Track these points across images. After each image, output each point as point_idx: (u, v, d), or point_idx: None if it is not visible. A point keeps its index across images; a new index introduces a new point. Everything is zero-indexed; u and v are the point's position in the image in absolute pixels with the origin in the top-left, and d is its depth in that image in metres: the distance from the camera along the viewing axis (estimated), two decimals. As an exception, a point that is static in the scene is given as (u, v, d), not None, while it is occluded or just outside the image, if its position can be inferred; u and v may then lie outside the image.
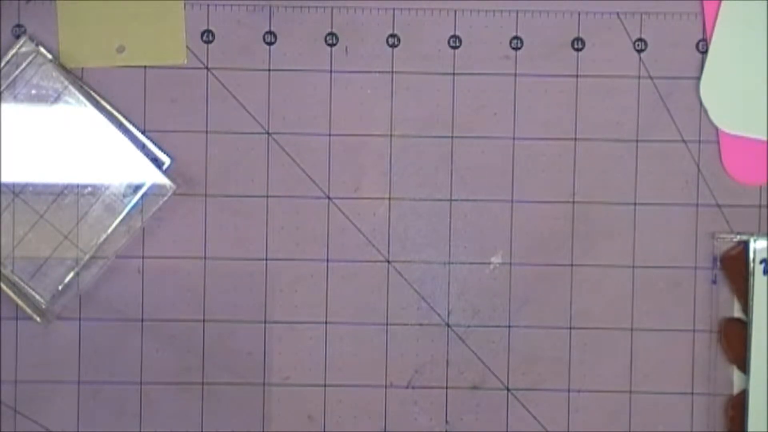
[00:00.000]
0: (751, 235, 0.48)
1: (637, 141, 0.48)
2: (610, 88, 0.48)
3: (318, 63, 0.48)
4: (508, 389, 0.48)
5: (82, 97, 0.47)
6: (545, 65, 0.48)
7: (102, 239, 0.47)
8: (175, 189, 0.47)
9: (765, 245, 0.48)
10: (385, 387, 0.48)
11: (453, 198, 0.48)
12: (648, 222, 0.48)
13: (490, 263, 0.48)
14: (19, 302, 0.47)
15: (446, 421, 0.48)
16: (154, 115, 0.48)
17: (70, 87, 0.47)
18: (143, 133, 0.48)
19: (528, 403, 0.48)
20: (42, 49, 0.47)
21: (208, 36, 0.48)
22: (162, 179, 0.47)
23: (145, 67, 0.48)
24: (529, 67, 0.48)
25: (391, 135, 0.48)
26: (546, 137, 0.48)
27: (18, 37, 0.48)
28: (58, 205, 0.47)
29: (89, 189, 0.47)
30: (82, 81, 0.48)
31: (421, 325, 0.48)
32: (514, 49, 0.48)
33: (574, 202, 0.48)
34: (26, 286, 0.47)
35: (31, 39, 0.47)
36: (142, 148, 0.47)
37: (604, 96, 0.48)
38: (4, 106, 0.47)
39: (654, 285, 0.48)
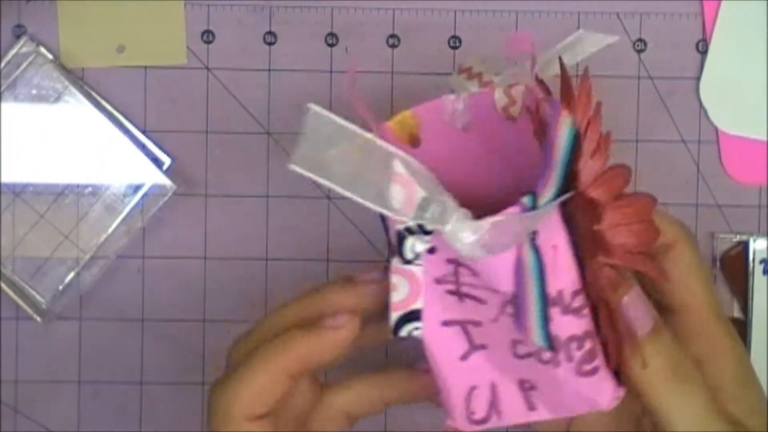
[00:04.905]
0: (751, 235, 0.48)
1: (637, 141, 0.48)
2: (610, 88, 0.48)
3: (318, 63, 0.48)
4: (508, 389, 0.48)
5: (82, 97, 0.47)
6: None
7: (102, 239, 0.47)
8: (175, 189, 0.47)
9: (765, 245, 0.47)
10: (385, 387, 0.48)
11: (453, 198, 0.48)
12: (648, 222, 0.48)
13: (490, 263, 0.48)
14: (20, 302, 0.47)
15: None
16: (154, 115, 0.48)
17: (71, 87, 0.47)
18: (143, 133, 0.48)
19: (528, 403, 0.48)
20: (42, 49, 0.47)
21: (208, 36, 0.48)
22: (162, 179, 0.47)
23: (145, 67, 0.48)
24: (529, 67, 0.48)
25: (391, 135, 0.48)
26: (546, 137, 0.48)
27: (18, 37, 0.48)
28: (59, 205, 0.48)
29: (89, 189, 0.48)
30: (83, 81, 0.48)
31: (421, 325, 0.48)
32: (514, 49, 0.48)
33: (574, 202, 0.48)
34: (27, 286, 0.47)
35: (32, 39, 0.47)
36: (142, 148, 0.47)
37: (603, 96, 0.48)
38: (4, 106, 0.47)
39: (654, 285, 0.48)
